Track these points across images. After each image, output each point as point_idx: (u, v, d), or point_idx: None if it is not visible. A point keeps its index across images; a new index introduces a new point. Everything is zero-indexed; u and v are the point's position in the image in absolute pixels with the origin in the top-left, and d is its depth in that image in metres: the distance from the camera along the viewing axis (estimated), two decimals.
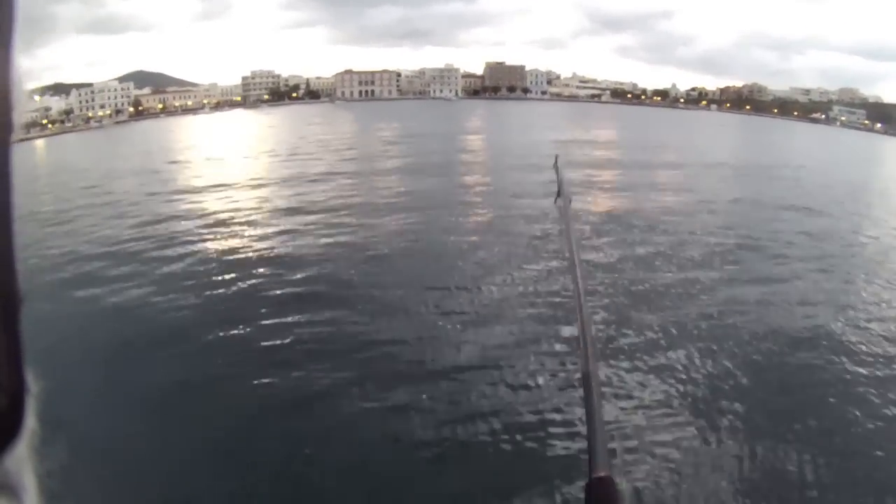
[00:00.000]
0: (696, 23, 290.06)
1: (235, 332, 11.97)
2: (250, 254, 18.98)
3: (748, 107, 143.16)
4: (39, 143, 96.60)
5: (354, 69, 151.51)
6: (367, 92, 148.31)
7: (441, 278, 15.62)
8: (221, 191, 31.72)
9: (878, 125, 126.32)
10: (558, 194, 2.35)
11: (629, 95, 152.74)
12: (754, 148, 62.98)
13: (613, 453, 7.82)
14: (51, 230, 22.97)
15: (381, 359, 11.20)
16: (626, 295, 14.87)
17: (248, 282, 15.92)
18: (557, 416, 9.22)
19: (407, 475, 7.91)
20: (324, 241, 20.34)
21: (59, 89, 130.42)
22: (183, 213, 26.16)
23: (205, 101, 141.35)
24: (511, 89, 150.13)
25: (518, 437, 8.63)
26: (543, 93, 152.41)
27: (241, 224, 23.68)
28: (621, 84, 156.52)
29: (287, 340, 12.03)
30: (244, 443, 8.01)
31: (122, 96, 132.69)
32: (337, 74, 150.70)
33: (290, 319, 13.24)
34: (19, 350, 0.43)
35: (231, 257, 18.45)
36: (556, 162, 2.67)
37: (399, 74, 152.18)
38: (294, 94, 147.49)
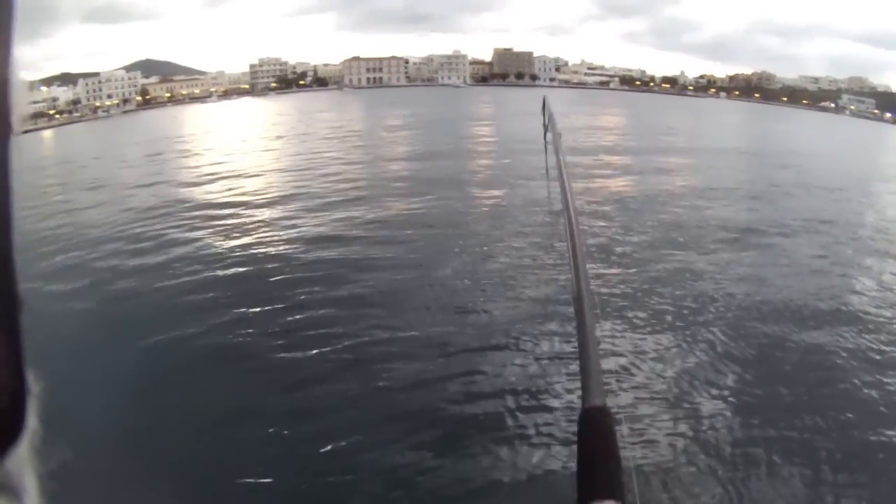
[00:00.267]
0: (703, 8, 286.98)
1: (240, 329, 11.88)
2: (258, 237, 19.30)
3: (757, 95, 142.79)
4: (47, 133, 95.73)
5: (362, 56, 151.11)
6: (375, 79, 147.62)
7: (448, 250, 16.60)
8: (230, 177, 31.83)
9: (888, 114, 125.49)
10: (546, 129, 2.48)
11: (637, 82, 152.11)
12: (764, 136, 63.21)
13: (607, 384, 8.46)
14: (58, 220, 22.96)
15: (385, 327, 11.82)
16: (630, 267, 15.71)
17: (257, 266, 16.24)
18: (554, 345, 10.29)
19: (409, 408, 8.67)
20: (333, 223, 20.77)
21: (66, 79, 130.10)
22: (191, 201, 26.22)
23: (212, 90, 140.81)
24: (519, 76, 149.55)
25: (514, 369, 9.52)
26: (552, 80, 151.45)
27: (250, 208, 23.96)
28: (629, 71, 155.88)
29: (294, 324, 12.25)
30: (245, 442, 8.08)
31: (130, 86, 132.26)
32: (345, 61, 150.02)
33: (296, 300, 13.56)
34: (20, 351, 0.43)
35: (239, 241, 18.68)
36: (544, 102, 2.80)
37: (407, 61, 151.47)
38: (302, 82, 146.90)
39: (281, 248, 18.21)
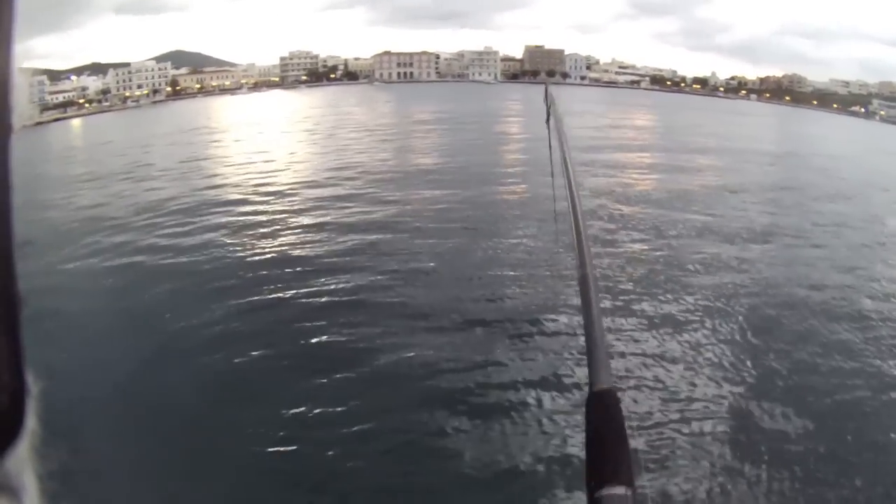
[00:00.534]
0: (735, 9, 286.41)
1: (247, 327, 11.83)
2: (280, 227, 19.69)
3: (787, 97, 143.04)
4: (76, 122, 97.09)
5: (393, 50, 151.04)
6: (405, 74, 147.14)
7: (471, 241, 17.63)
8: (257, 168, 32.41)
9: None
10: (548, 115, 2.53)
11: (668, 82, 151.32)
12: (794, 138, 63.70)
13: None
14: (67, 212, 23.28)
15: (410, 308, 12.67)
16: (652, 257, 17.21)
17: (279, 255, 16.66)
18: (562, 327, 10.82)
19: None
20: (359, 213, 21.37)
21: (97, 69, 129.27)
22: (213, 192, 26.50)
23: (243, 82, 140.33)
24: (550, 74, 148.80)
25: (523, 353, 9.97)
26: (582, 78, 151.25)
27: (276, 197, 24.69)
28: (660, 71, 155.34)
29: (312, 311, 12.62)
30: (248, 441, 8.09)
31: (160, 76, 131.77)
32: (375, 56, 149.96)
33: (315, 287, 14.06)
34: (20, 351, 0.43)
35: (260, 233, 18.95)
36: (546, 90, 2.86)
37: (438, 57, 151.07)
38: (332, 76, 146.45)
39: (306, 236, 18.68)
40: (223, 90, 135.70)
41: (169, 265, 15.82)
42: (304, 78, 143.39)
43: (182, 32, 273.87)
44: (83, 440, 6.95)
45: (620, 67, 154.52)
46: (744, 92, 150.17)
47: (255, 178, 29.42)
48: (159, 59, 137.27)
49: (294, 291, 13.93)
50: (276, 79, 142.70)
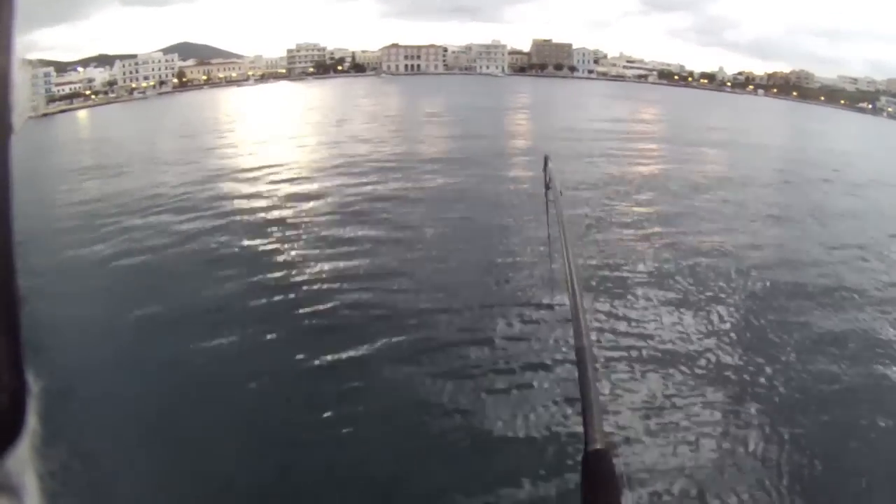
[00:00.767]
0: (744, 6, 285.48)
1: (254, 324, 11.82)
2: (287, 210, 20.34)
3: (795, 93, 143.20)
4: (82, 113, 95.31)
5: (400, 43, 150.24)
6: (413, 66, 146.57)
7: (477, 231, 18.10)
8: (263, 160, 32.37)
9: None
10: (548, 187, 2.56)
11: (676, 77, 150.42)
12: (802, 134, 64.29)
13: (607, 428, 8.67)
14: (73, 207, 23.41)
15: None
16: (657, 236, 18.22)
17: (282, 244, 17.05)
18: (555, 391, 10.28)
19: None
20: (363, 201, 22.09)
21: (103, 61, 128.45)
22: (225, 178, 27.20)
23: (249, 73, 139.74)
24: (558, 67, 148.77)
25: (517, 414, 9.28)
26: (590, 72, 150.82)
27: (282, 183, 25.26)
28: (668, 65, 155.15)
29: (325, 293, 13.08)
30: (248, 441, 8.14)
31: (167, 68, 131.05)
32: (383, 48, 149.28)
33: (317, 276, 14.47)
34: (20, 350, 0.43)
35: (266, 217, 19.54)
36: (546, 160, 2.85)
37: (445, 49, 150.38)
38: (339, 68, 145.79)
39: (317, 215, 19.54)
40: (230, 82, 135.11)
41: (172, 260, 15.89)
42: (311, 70, 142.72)
43: (189, 24, 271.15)
44: (84, 440, 6.98)
45: (628, 62, 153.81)
46: (751, 87, 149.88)
47: (262, 168, 29.72)
48: (166, 50, 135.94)
49: (300, 278, 14.29)
50: (283, 71, 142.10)
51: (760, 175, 31.47)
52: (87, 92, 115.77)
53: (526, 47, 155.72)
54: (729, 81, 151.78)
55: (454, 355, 11.11)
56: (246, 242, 17.30)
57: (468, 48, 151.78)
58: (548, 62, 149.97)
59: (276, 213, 20.84)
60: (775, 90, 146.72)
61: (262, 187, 25.44)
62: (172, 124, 56.59)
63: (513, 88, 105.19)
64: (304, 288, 14.01)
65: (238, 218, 20.20)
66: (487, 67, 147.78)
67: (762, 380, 10.66)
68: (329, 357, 10.75)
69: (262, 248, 16.88)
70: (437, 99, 78.36)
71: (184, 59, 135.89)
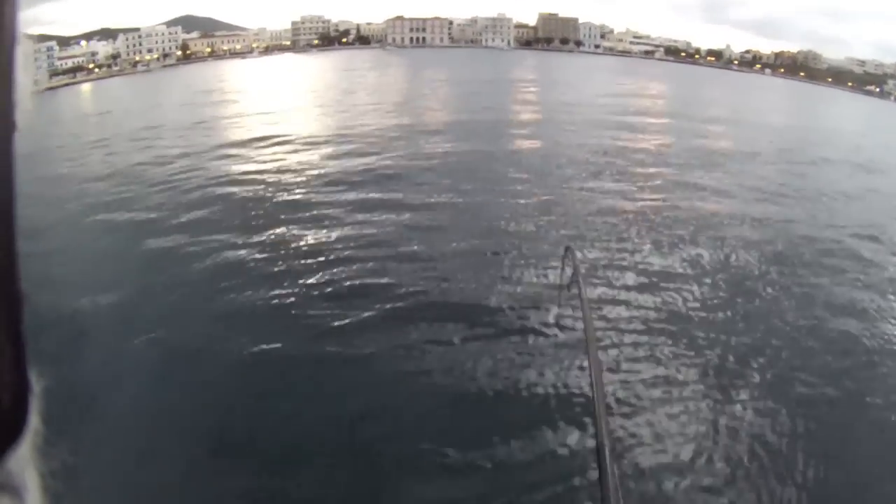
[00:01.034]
0: None
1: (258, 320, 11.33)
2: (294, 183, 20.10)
3: (802, 73, 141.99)
4: (85, 87, 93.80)
5: (406, 16, 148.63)
6: (418, 39, 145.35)
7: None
8: (270, 130, 32.17)
9: None
10: (571, 281, 2.48)
11: (682, 54, 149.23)
12: (813, 115, 63.71)
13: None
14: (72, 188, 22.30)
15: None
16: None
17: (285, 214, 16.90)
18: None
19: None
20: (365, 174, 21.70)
21: (106, 34, 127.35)
22: (228, 149, 27.03)
23: (254, 46, 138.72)
24: (564, 41, 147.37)
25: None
26: (596, 46, 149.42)
27: (286, 152, 25.34)
28: (675, 42, 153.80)
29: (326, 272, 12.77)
30: (251, 440, 7.97)
31: (170, 40, 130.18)
32: (388, 20, 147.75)
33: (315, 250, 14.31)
34: (22, 349, 0.43)
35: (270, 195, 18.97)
36: (566, 251, 2.78)
37: (451, 22, 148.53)
38: (344, 40, 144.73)
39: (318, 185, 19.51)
40: (234, 54, 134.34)
41: (176, 249, 15.01)
42: (316, 42, 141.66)
43: None
44: (86, 439, 6.89)
45: (635, 37, 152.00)
46: (758, 66, 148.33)
47: (267, 139, 29.54)
48: (170, 23, 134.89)
49: (307, 251, 14.21)
50: (288, 43, 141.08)
51: (767, 153, 31.43)
52: (91, 66, 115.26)
53: (532, 21, 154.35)
54: (736, 60, 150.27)
55: (454, 320, 11.34)
56: (255, 223, 16.78)
57: (474, 21, 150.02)
58: (554, 36, 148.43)
59: (282, 184, 20.65)
60: (782, 70, 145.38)
61: (267, 158, 25.21)
62: (177, 97, 56.26)
63: (519, 62, 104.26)
64: (309, 260, 13.95)
65: (249, 194, 19.57)
66: (493, 41, 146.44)
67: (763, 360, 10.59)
68: (333, 328, 10.79)
69: (269, 226, 16.44)
70: (442, 72, 77.85)
71: (187, 32, 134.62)
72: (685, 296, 12.77)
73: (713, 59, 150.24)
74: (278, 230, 15.92)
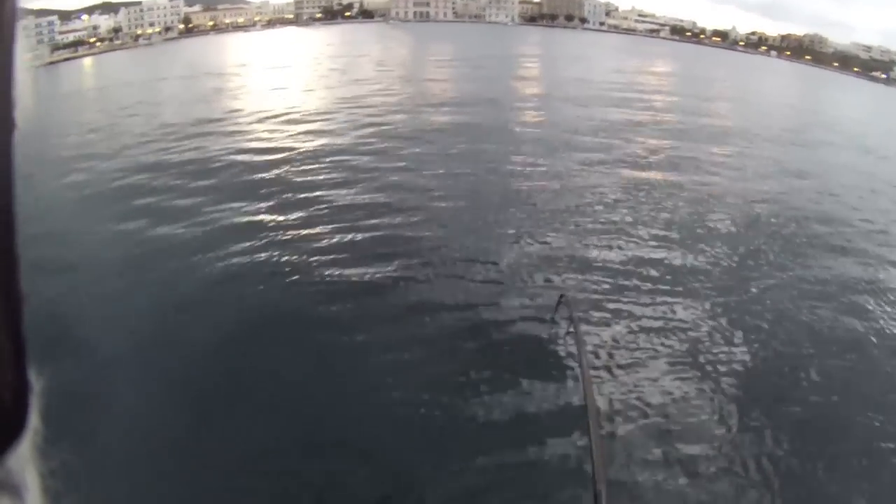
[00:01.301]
0: None
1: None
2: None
3: (808, 57, 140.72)
4: (87, 61, 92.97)
5: None
6: (421, 13, 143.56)
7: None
8: (275, 102, 32.37)
9: None
10: (570, 324, 2.60)
11: (688, 33, 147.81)
12: (819, 99, 63.85)
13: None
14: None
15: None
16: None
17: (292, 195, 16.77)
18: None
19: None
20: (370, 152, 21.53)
21: (107, 8, 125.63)
22: (228, 125, 26.82)
23: (256, 19, 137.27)
24: (569, 18, 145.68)
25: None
26: (601, 24, 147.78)
27: (290, 124, 25.36)
28: (680, 21, 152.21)
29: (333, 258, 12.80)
30: (251, 440, 7.92)
31: (172, 14, 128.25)
32: None
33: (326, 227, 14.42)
34: (22, 348, 0.42)
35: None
36: (560, 300, 2.82)
37: None
38: (347, 14, 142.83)
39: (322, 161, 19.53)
40: (236, 27, 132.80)
41: (181, 237, 14.61)
42: (319, 16, 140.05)
43: None
44: (87, 438, 6.91)
45: (640, 16, 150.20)
46: (764, 48, 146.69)
47: (270, 112, 29.52)
48: None
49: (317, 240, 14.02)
50: (291, 16, 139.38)
51: (771, 133, 31.58)
52: (92, 40, 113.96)
53: None
54: (742, 41, 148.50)
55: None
56: (262, 204, 16.61)
57: None
58: (558, 13, 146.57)
59: (284, 159, 20.67)
60: (788, 53, 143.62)
61: (271, 131, 25.30)
62: (179, 70, 55.67)
63: (523, 38, 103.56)
64: (312, 232, 14.18)
65: (255, 176, 19.18)
66: (497, 16, 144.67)
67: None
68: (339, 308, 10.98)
69: (276, 209, 16.31)
70: (446, 46, 78.04)
71: (189, 5, 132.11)
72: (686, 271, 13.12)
73: (719, 39, 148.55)
74: (269, 212, 15.80)
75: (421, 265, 12.84)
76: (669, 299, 12.08)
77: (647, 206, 17.19)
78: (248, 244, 14.00)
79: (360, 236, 14.28)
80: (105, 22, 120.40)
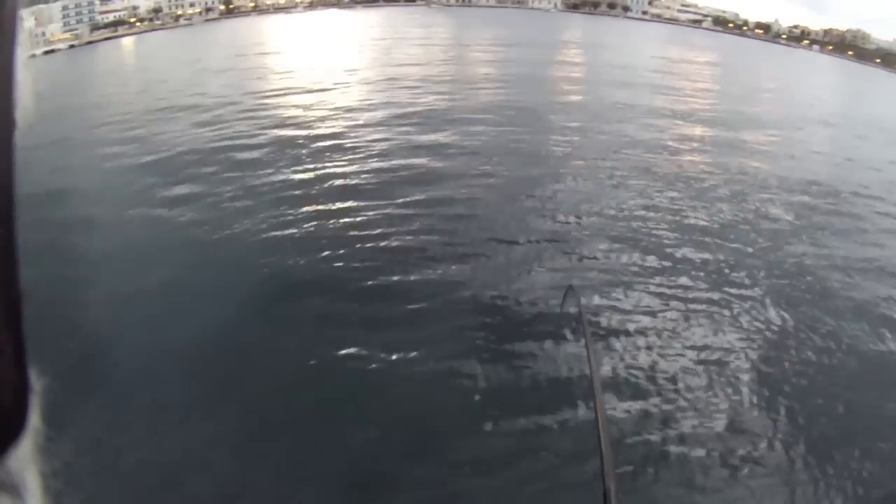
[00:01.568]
0: None
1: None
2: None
3: (850, 52, 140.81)
4: (127, 40, 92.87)
5: None
6: None
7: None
8: (311, 90, 32.31)
9: None
10: (578, 322, 3.07)
11: (730, 25, 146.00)
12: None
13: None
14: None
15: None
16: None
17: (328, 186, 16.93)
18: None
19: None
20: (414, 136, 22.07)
21: None
22: (268, 112, 26.83)
23: (298, 0, 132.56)
24: (611, 6, 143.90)
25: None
26: (644, 12, 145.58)
27: (336, 120, 25.07)
28: (723, 12, 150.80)
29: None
30: (251, 440, 7.88)
31: None
32: None
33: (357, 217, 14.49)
34: (23, 348, 0.42)
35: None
36: (567, 292, 3.00)
37: None
38: None
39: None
40: (278, 9, 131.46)
41: (190, 230, 14.39)
42: None
43: None
44: (87, 438, 6.92)
45: (683, 5, 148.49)
46: (806, 42, 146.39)
47: (314, 93, 30.14)
48: None
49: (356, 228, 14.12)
50: None
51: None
52: (132, 20, 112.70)
53: None
54: (784, 34, 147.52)
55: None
56: (297, 176, 17.06)
57: None
58: (601, 0, 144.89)
59: (328, 142, 20.96)
60: (830, 47, 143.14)
61: (312, 115, 25.44)
62: (221, 51, 55.43)
63: (567, 24, 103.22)
64: (353, 219, 14.21)
65: (299, 167, 19.14)
66: (540, 2, 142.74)
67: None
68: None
69: (310, 182, 16.61)
70: (489, 31, 77.83)
71: None
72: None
73: (761, 31, 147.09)
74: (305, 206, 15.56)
75: (441, 245, 13.29)
76: (689, 294, 12.26)
77: (679, 196, 17.54)
78: (277, 219, 14.47)
79: (389, 212, 14.74)
80: (145, 2, 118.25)
